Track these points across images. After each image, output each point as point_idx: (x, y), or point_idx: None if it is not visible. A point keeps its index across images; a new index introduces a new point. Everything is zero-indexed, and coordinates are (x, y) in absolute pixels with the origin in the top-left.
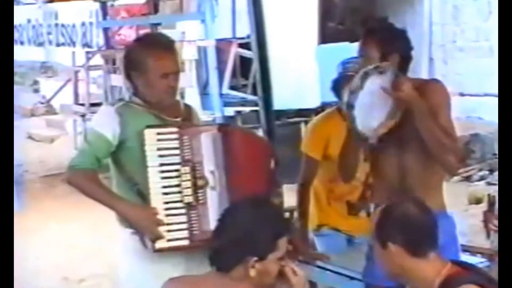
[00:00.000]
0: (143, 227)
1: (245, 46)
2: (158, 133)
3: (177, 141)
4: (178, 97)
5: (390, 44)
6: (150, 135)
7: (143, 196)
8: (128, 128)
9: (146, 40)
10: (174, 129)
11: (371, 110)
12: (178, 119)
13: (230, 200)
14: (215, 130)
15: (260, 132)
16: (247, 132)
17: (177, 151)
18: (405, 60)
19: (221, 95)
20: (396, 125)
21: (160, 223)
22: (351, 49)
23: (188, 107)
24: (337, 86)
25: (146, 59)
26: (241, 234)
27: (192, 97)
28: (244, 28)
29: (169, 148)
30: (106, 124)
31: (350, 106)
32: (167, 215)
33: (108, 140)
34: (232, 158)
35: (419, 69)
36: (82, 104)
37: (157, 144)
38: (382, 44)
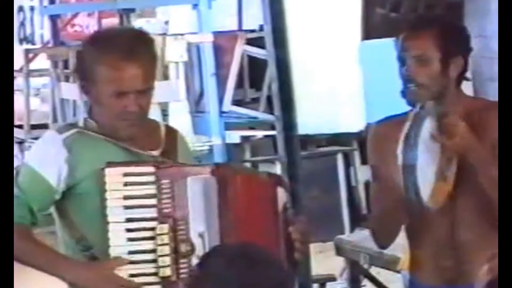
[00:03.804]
0: None
1: (257, 42)
2: (126, 174)
3: (153, 186)
4: (158, 117)
5: (455, 42)
6: (113, 176)
7: None
8: (81, 167)
9: (101, 36)
10: (150, 169)
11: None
12: (155, 152)
13: None
14: (207, 173)
15: (277, 166)
16: (252, 175)
17: (153, 201)
18: (466, 66)
19: (221, 113)
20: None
21: (124, 283)
22: None
23: (172, 133)
24: None
25: (96, 67)
26: None
27: (179, 117)
28: (255, 17)
29: (142, 196)
30: (48, 162)
31: (409, 171)
32: None
33: (51, 186)
34: (232, 216)
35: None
36: (20, 126)
37: (124, 190)
38: (445, 41)
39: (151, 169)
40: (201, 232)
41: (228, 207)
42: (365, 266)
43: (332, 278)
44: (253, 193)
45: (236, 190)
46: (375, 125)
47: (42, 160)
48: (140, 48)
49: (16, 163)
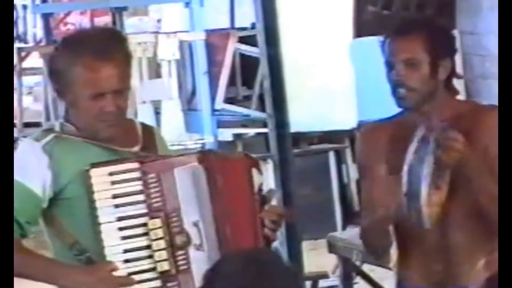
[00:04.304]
0: None
1: (249, 40)
2: (111, 173)
3: (140, 182)
4: (150, 116)
5: (443, 43)
6: (99, 177)
7: None
8: (64, 172)
9: (73, 39)
10: (135, 165)
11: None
12: (135, 149)
13: None
14: (193, 162)
15: (270, 164)
16: (235, 159)
17: (142, 197)
18: (454, 67)
19: (213, 111)
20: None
21: (120, 283)
22: None
23: (148, 129)
24: None
25: (71, 69)
26: None
27: (171, 115)
28: (247, 15)
29: (130, 193)
30: (31, 171)
31: (413, 198)
32: None
33: (36, 195)
34: (224, 201)
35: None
36: None
37: (111, 189)
38: (433, 43)
39: (136, 165)
40: (195, 221)
41: (219, 193)
42: (358, 263)
43: (325, 275)
44: (239, 177)
45: (225, 176)
46: (364, 129)
47: (24, 170)
48: (114, 47)
49: None
